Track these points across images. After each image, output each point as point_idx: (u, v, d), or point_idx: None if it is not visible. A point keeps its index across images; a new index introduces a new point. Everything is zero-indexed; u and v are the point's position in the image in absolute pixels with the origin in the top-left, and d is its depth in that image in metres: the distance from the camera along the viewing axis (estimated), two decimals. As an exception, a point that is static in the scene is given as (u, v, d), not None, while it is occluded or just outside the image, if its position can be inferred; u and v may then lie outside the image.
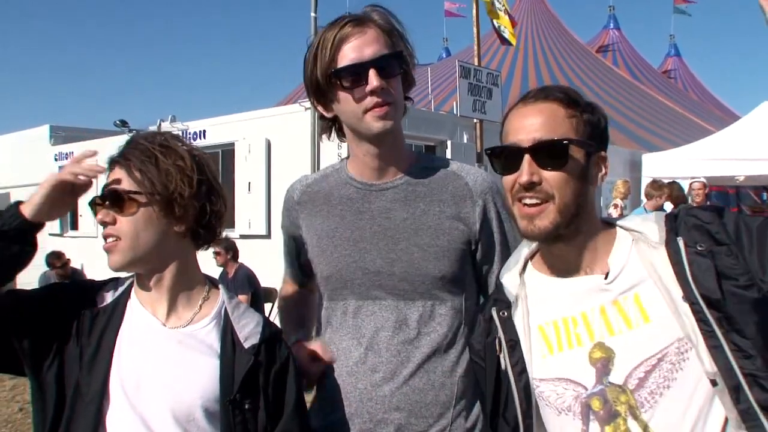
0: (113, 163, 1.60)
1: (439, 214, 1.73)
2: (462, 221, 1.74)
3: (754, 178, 11.74)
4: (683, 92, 32.90)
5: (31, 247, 1.54)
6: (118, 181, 1.56)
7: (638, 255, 1.41)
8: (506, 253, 1.75)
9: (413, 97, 1.85)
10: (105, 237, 1.57)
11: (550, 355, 1.46)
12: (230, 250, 7.77)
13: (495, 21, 11.91)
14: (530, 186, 1.39)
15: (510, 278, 1.58)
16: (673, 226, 1.41)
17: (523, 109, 1.45)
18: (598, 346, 1.40)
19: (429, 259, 1.71)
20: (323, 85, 1.68)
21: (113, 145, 1.66)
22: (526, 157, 1.39)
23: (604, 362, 1.39)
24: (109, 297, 1.62)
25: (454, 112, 10.60)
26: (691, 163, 12.07)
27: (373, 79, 1.61)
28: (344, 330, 1.77)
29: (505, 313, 1.54)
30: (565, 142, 1.38)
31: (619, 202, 9.73)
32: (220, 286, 1.74)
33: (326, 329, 1.83)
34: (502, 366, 1.52)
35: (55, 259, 9.03)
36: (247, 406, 1.57)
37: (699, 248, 1.34)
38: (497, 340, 1.54)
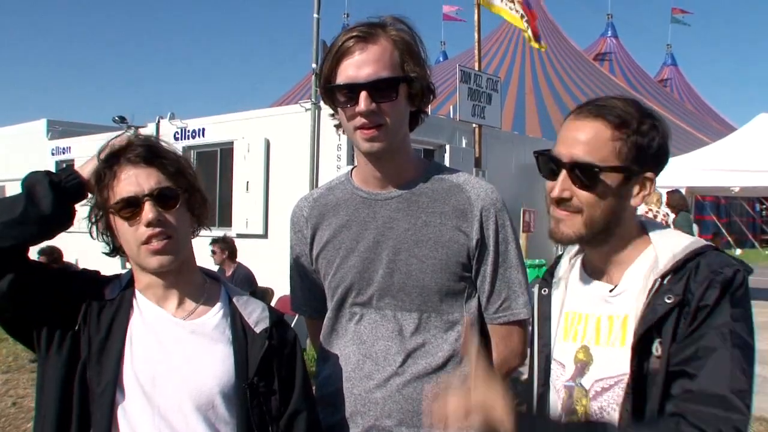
0: (135, 161, 1.54)
1: (440, 226, 1.74)
2: (462, 234, 1.74)
3: (749, 189, 11.81)
4: (679, 102, 33.02)
5: (71, 217, 1.55)
6: (155, 179, 1.53)
7: (645, 280, 1.43)
8: (496, 270, 1.76)
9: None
10: (152, 237, 1.51)
11: (563, 341, 1.56)
12: (227, 249, 7.76)
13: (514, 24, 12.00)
14: (560, 201, 1.46)
15: (565, 260, 1.66)
16: (687, 264, 1.39)
17: (575, 122, 1.47)
18: (583, 349, 1.49)
19: (426, 272, 1.72)
20: (324, 94, 1.69)
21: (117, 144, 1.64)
22: (563, 173, 1.45)
23: (582, 365, 1.49)
24: (115, 291, 1.61)
25: (451, 115, 10.62)
26: (687, 173, 12.12)
27: (362, 102, 1.60)
28: (347, 337, 1.80)
29: (546, 291, 1.65)
30: (596, 169, 1.41)
31: (653, 208, 9.64)
32: (219, 276, 1.77)
33: (331, 335, 1.85)
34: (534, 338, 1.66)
35: (47, 254, 8.98)
36: (262, 389, 1.60)
37: (667, 300, 1.36)
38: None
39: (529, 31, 11.91)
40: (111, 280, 1.66)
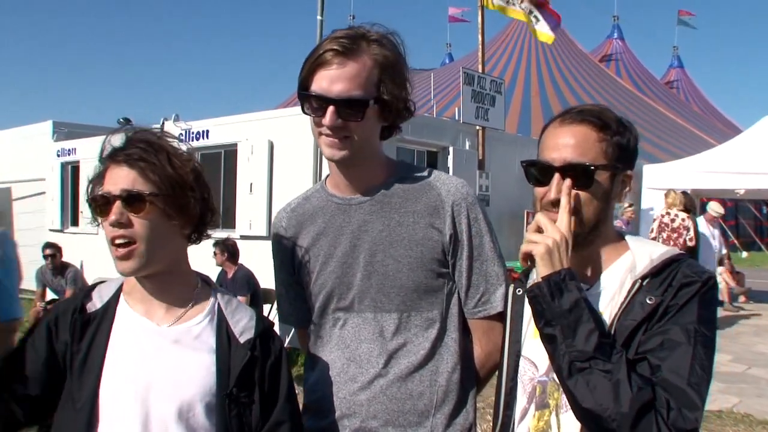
0: (120, 161, 1.55)
1: (413, 225, 1.76)
2: (435, 231, 1.76)
3: (754, 191, 11.76)
4: (685, 104, 32.92)
5: None
6: (130, 181, 1.52)
7: (621, 281, 1.53)
8: (472, 264, 1.79)
9: (417, 101, 1.86)
10: (115, 238, 1.52)
11: (533, 338, 1.61)
12: (226, 251, 7.76)
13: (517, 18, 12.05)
14: (557, 203, 1.53)
15: None
16: (666, 269, 1.49)
17: (559, 129, 1.57)
18: None
19: (403, 271, 1.74)
20: (298, 96, 1.71)
21: (116, 143, 1.63)
22: (556, 176, 1.52)
23: None
24: (98, 302, 1.62)
25: (456, 117, 10.62)
26: (692, 176, 12.08)
27: (328, 116, 1.64)
28: (332, 342, 1.82)
29: (520, 291, 1.72)
30: (592, 168, 1.51)
31: (673, 211, 9.52)
32: (212, 282, 1.75)
33: (316, 342, 1.86)
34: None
35: (47, 248, 9.01)
36: (242, 400, 1.59)
37: (649, 301, 1.45)
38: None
39: (538, 25, 11.95)
40: (94, 291, 1.65)
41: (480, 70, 11.06)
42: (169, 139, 1.64)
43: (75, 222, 13.32)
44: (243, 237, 9.30)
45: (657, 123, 24.32)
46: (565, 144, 1.52)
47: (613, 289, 1.52)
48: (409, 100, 1.76)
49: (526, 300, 1.64)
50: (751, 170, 11.36)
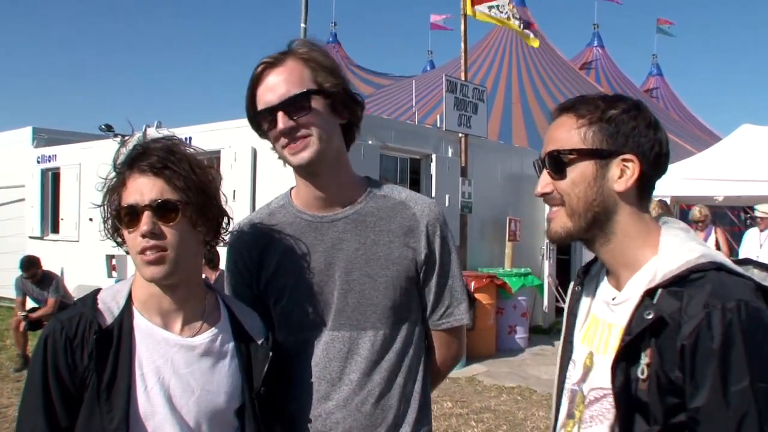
0: (144, 169, 1.51)
1: (388, 244, 1.78)
2: (410, 250, 1.79)
3: (733, 198, 11.90)
4: (665, 111, 33.27)
5: None
6: (158, 190, 1.49)
7: (639, 294, 1.36)
8: (440, 281, 1.82)
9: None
10: (146, 249, 1.47)
11: (580, 343, 1.56)
12: (205, 256, 7.68)
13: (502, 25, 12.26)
14: (543, 197, 1.50)
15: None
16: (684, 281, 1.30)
17: (550, 126, 1.54)
18: (589, 356, 1.49)
19: (379, 289, 1.76)
20: (251, 125, 1.76)
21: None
22: (544, 171, 1.49)
23: (586, 370, 1.49)
24: (110, 316, 1.54)
25: (438, 125, 10.67)
26: (672, 183, 12.21)
27: (280, 121, 1.67)
28: (300, 359, 1.80)
29: (578, 288, 1.64)
30: (556, 153, 1.44)
31: None
32: (209, 282, 1.76)
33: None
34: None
35: (26, 268, 8.74)
36: (268, 397, 1.63)
37: (647, 316, 1.29)
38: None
39: (523, 28, 12.17)
40: (95, 302, 1.55)
41: (462, 78, 11.13)
42: (187, 147, 1.62)
43: (55, 229, 13.17)
44: (226, 244, 9.24)
45: (637, 130, 24.45)
46: (549, 137, 1.50)
47: (634, 299, 1.35)
48: (350, 90, 1.78)
49: (583, 298, 1.61)
50: (730, 177, 11.51)
